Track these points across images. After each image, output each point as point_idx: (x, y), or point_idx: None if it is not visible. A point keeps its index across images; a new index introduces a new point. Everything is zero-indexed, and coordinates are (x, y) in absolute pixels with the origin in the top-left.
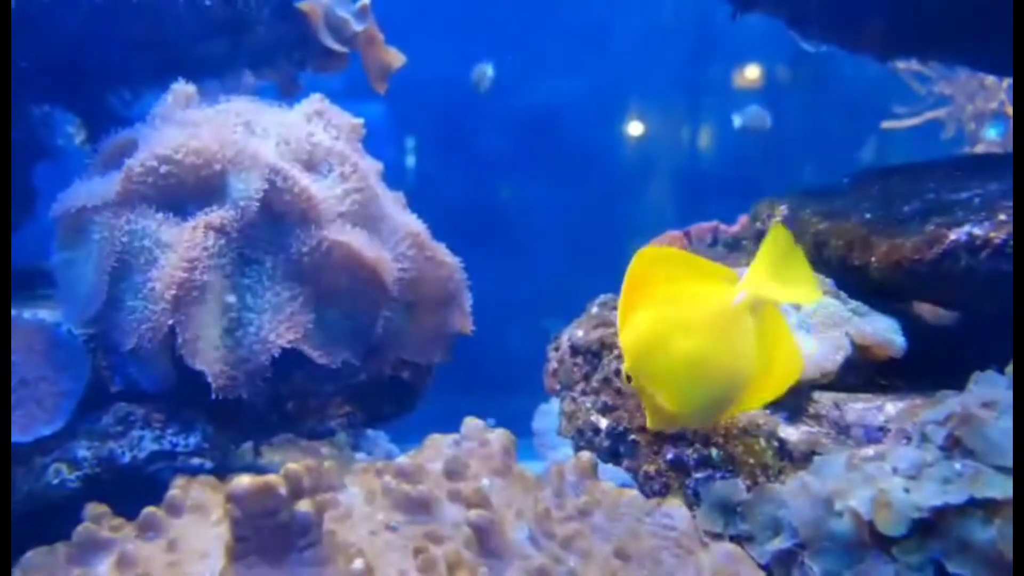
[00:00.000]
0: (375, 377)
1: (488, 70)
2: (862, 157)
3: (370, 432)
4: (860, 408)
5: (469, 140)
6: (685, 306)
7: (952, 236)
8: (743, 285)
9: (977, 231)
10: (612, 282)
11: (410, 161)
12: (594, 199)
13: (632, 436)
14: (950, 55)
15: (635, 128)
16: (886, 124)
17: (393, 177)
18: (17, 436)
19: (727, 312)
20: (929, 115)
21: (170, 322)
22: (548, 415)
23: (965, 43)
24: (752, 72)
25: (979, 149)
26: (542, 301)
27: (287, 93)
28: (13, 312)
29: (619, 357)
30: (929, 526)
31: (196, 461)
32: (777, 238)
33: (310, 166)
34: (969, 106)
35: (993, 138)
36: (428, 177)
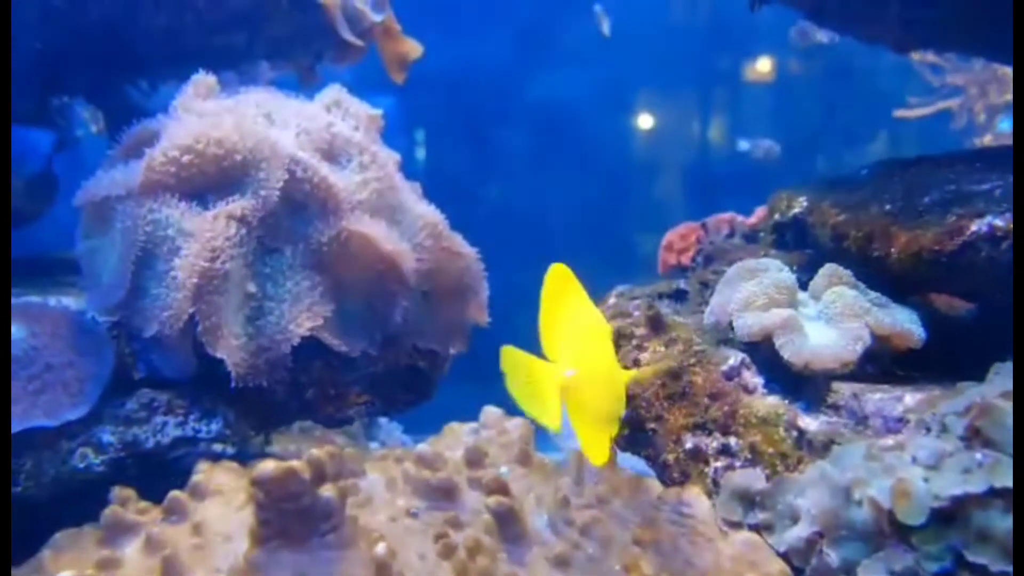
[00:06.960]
0: (393, 366)
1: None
2: (874, 149)
3: (384, 423)
4: (879, 398)
5: (483, 133)
6: None
7: (973, 227)
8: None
9: (999, 222)
10: (627, 274)
11: (422, 154)
12: (609, 191)
13: (651, 425)
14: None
15: (650, 120)
16: (899, 113)
17: (406, 171)
18: (44, 420)
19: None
20: (941, 104)
21: (191, 310)
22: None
23: (984, 32)
24: (764, 64)
25: (988, 141)
26: None
27: (306, 84)
28: (38, 299)
29: (637, 347)
30: (948, 515)
31: (218, 447)
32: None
33: (329, 156)
34: (981, 98)
35: (1005, 130)
36: (441, 170)
